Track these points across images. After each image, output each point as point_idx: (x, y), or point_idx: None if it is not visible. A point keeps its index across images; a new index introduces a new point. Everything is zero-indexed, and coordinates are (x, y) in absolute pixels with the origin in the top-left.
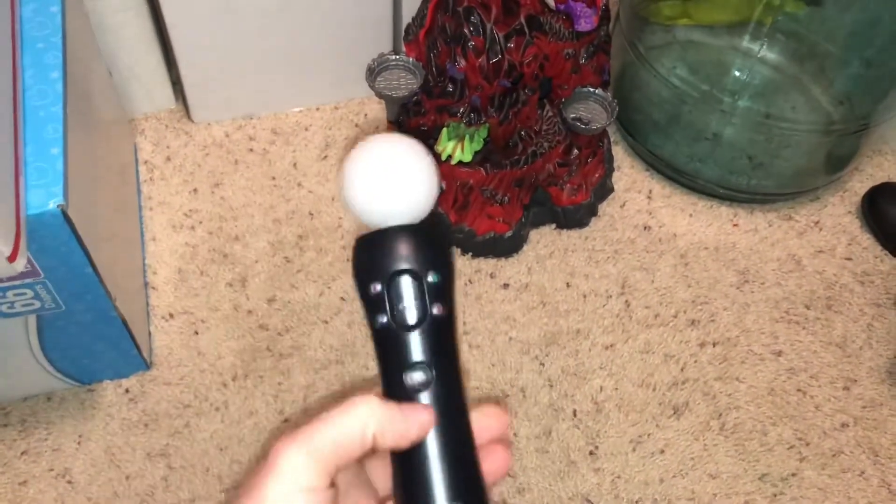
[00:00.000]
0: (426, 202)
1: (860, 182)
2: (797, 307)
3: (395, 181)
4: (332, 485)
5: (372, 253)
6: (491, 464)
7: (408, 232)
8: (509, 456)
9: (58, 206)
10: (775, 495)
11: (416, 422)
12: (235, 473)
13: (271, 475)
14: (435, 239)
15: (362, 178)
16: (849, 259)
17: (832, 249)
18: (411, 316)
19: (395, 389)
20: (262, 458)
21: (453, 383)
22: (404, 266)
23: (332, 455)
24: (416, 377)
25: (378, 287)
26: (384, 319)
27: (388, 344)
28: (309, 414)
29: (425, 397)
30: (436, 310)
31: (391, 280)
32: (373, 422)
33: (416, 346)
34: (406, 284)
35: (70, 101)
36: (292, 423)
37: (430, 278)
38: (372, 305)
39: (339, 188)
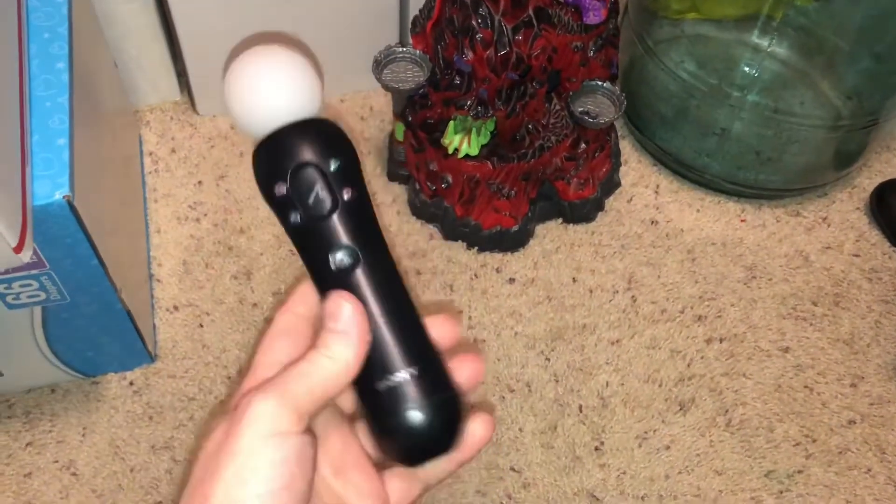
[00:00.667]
0: (309, 96)
1: (868, 178)
2: (804, 303)
3: (273, 80)
4: (308, 430)
5: (269, 156)
6: (465, 371)
7: (298, 127)
8: (482, 362)
9: (64, 197)
10: (781, 492)
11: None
12: None
13: (241, 423)
14: (327, 128)
15: (241, 85)
16: (857, 255)
17: (840, 246)
18: (322, 206)
19: (323, 280)
20: (231, 410)
21: (382, 261)
22: (303, 160)
23: (305, 400)
24: (341, 258)
25: (283, 188)
26: (296, 217)
27: (308, 239)
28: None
29: (353, 281)
30: (346, 195)
31: (294, 176)
32: (335, 366)
33: (334, 233)
34: (309, 176)
35: (76, 91)
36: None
37: (332, 166)
38: (282, 207)
39: (225, 102)
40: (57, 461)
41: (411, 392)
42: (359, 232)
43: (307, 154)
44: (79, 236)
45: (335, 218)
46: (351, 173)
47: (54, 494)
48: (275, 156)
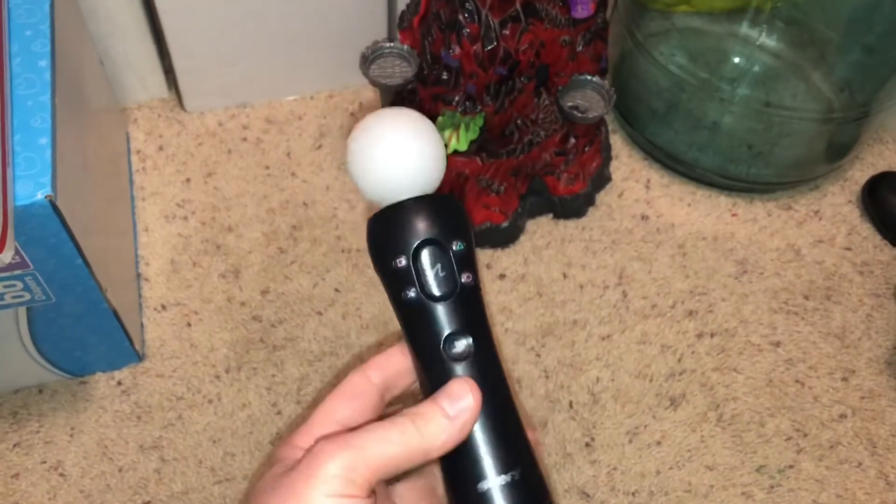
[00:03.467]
0: (437, 171)
1: (860, 171)
2: (796, 297)
3: (405, 152)
4: (372, 494)
5: (391, 227)
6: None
7: (426, 202)
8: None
9: (46, 197)
10: (772, 487)
11: (465, 418)
12: (228, 466)
13: (312, 479)
14: (454, 207)
15: (370, 153)
16: (848, 249)
17: (832, 239)
18: (442, 286)
19: (432, 363)
20: (304, 458)
21: (492, 350)
22: (429, 236)
23: (379, 465)
24: (458, 346)
25: (403, 261)
26: (412, 293)
27: (421, 317)
28: (312, 406)
29: (466, 367)
30: (464, 278)
31: (416, 252)
32: (426, 442)
33: (451, 316)
34: (433, 255)
35: (59, 89)
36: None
37: (455, 247)
38: (398, 280)
39: (348, 166)
40: (45, 462)
41: (513, 497)
42: (474, 319)
43: (435, 231)
44: (62, 236)
45: (452, 301)
46: (471, 257)
47: (42, 495)
48: (400, 227)
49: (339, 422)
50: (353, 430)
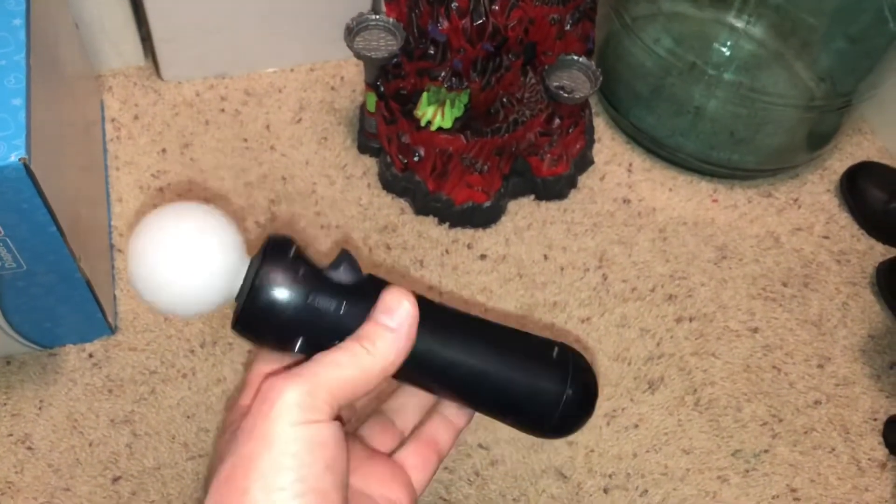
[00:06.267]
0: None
1: (839, 161)
2: (774, 284)
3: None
4: (338, 418)
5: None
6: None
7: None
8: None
9: (20, 160)
10: (747, 471)
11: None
12: (202, 441)
13: (271, 413)
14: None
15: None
16: (826, 237)
17: (810, 227)
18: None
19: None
20: (255, 398)
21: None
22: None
23: (336, 391)
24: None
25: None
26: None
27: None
28: None
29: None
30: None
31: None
32: (377, 362)
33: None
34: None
35: (34, 51)
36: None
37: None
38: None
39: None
40: (11, 435)
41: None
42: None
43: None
44: (36, 202)
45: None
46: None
47: (8, 469)
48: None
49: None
50: (298, 363)
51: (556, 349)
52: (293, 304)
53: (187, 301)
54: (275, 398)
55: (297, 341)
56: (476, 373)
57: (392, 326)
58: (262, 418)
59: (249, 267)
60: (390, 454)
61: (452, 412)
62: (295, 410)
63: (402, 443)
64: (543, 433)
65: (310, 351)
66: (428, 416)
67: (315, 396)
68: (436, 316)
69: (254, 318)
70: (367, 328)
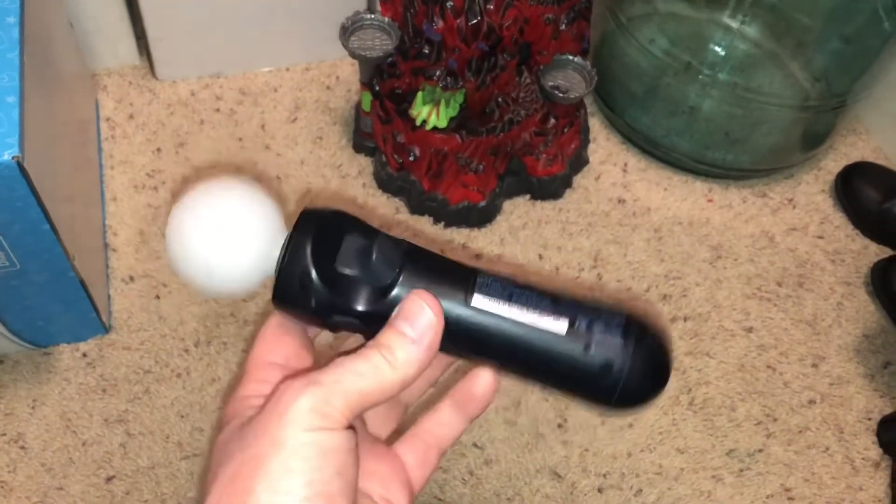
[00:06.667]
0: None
1: (834, 161)
2: (769, 284)
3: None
4: (351, 426)
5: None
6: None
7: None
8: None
9: (13, 158)
10: (742, 470)
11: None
12: (197, 441)
13: (284, 418)
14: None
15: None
16: (821, 237)
17: (805, 227)
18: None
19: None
20: (270, 399)
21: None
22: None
23: (353, 401)
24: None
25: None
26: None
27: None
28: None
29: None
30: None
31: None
32: (397, 374)
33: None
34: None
35: (27, 49)
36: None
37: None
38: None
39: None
40: (4, 434)
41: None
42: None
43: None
44: (29, 200)
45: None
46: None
47: (1, 468)
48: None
49: (277, 364)
50: (316, 369)
51: (621, 316)
52: (322, 276)
53: (234, 279)
54: (290, 401)
55: (335, 316)
56: (530, 343)
57: (413, 337)
58: (275, 420)
59: (285, 241)
60: (391, 436)
61: (461, 398)
62: (309, 416)
63: (402, 429)
64: (607, 405)
65: (356, 326)
66: (433, 404)
67: (330, 405)
68: (481, 285)
69: (286, 291)
70: (387, 335)
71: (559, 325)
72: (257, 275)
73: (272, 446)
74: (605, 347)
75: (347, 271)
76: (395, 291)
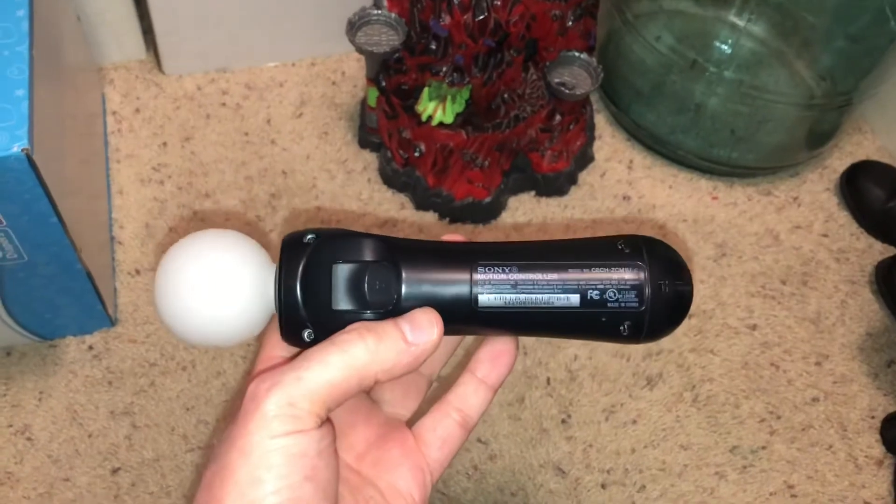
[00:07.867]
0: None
1: (839, 159)
2: (773, 282)
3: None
4: (327, 421)
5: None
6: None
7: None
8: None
9: (22, 150)
10: (745, 467)
11: (426, 341)
12: (202, 434)
13: (250, 424)
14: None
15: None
16: (825, 236)
17: (809, 226)
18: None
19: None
20: (238, 402)
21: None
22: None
23: (323, 395)
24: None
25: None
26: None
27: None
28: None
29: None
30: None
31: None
32: (375, 363)
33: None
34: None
35: (36, 42)
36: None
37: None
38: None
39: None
40: (11, 426)
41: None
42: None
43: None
44: (37, 192)
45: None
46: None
47: (8, 459)
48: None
49: (285, 358)
50: (290, 359)
51: (621, 243)
52: (320, 309)
53: (236, 329)
54: (254, 409)
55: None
56: (544, 320)
57: (410, 340)
58: (241, 428)
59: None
60: (413, 416)
61: (484, 368)
62: (274, 423)
63: (424, 407)
64: (624, 338)
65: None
66: (455, 376)
67: (296, 406)
68: (491, 254)
69: (292, 323)
70: (382, 325)
71: (571, 301)
72: (262, 317)
73: (240, 456)
74: (622, 311)
75: (343, 307)
76: (396, 308)
